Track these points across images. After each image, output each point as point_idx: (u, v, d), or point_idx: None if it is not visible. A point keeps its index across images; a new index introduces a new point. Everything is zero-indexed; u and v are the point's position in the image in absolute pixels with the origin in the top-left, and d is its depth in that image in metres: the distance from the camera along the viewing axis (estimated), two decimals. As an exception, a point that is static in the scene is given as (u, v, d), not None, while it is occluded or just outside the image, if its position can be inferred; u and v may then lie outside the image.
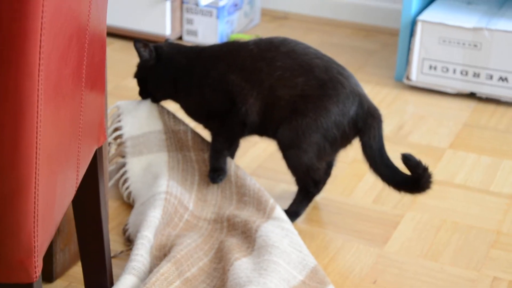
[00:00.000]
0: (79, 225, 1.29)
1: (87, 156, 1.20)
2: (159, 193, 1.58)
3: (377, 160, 1.59)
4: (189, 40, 2.58)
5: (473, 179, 1.84)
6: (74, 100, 1.08)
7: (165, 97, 1.73)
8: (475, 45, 2.21)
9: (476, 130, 2.08)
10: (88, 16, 1.10)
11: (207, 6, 2.53)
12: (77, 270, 1.46)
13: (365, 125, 1.59)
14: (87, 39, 1.11)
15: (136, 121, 1.71)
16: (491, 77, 2.22)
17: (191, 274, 1.42)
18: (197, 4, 2.53)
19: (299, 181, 1.65)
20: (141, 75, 1.72)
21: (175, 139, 1.72)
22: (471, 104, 2.23)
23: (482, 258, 1.55)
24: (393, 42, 2.62)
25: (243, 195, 1.63)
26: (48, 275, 1.43)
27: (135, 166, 1.69)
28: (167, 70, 1.69)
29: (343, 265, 1.52)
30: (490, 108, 2.21)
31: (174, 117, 1.73)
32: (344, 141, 1.62)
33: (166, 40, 1.80)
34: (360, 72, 2.38)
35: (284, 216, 1.56)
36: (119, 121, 1.73)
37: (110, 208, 1.66)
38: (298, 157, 1.61)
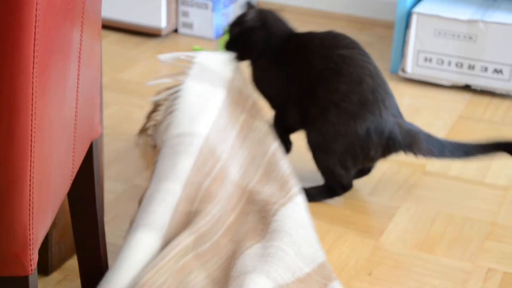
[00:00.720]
0: (75, 217, 1.29)
1: (83, 148, 1.20)
2: (195, 135, 1.51)
3: (439, 155, 1.66)
4: (184, 32, 2.58)
5: (468, 171, 1.84)
6: (69, 92, 1.08)
7: (247, 59, 1.76)
8: (470, 37, 2.21)
9: (471, 122, 2.09)
10: (83, 7, 1.09)
11: (202, -2, 2.53)
12: (73, 262, 1.47)
13: (405, 149, 1.65)
14: (82, 31, 1.11)
15: (209, 62, 1.71)
16: (486, 69, 2.22)
17: (203, 250, 1.38)
18: (192, -3, 2.52)
19: (326, 181, 1.69)
20: (238, 32, 1.75)
21: (237, 93, 1.69)
22: (466, 96, 2.23)
23: (477, 249, 1.56)
24: (388, 34, 2.62)
25: (272, 170, 1.60)
26: (44, 268, 1.43)
27: (190, 90, 1.62)
28: (261, 36, 1.72)
29: (339, 257, 1.52)
30: (485, 100, 2.21)
31: (246, 82, 1.73)
32: (368, 161, 1.67)
33: (249, 3, 1.82)
34: (356, 65, 2.38)
35: (304, 206, 1.53)
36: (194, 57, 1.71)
37: (106, 201, 1.66)
38: (324, 160, 1.66)
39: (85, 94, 1.17)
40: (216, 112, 1.59)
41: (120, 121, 2.02)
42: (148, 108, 2.13)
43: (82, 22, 1.10)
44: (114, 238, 1.54)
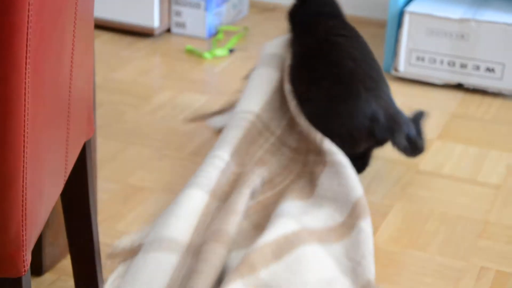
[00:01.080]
0: (68, 218, 1.29)
1: (76, 149, 1.20)
2: (246, 112, 1.74)
3: (411, 150, 1.69)
4: (177, 32, 2.58)
5: (461, 170, 1.85)
6: (62, 93, 1.08)
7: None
8: (462, 36, 2.22)
9: (463, 121, 2.09)
10: (76, 7, 1.09)
11: (195, -2, 2.53)
12: (66, 263, 1.46)
13: (387, 134, 1.67)
14: (74, 31, 1.10)
15: (273, 47, 1.88)
16: (478, 68, 2.23)
17: (250, 204, 1.57)
18: (185, -4, 2.52)
19: None
20: (291, 10, 1.90)
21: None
22: (458, 95, 2.24)
23: (470, 247, 1.56)
24: (381, 33, 2.63)
25: (322, 143, 1.70)
26: (37, 268, 1.43)
27: (254, 74, 1.84)
28: (295, 13, 1.87)
29: (332, 256, 1.52)
30: (477, 98, 2.22)
31: None
32: (354, 143, 1.69)
33: None
34: (348, 64, 2.39)
35: (333, 149, 1.65)
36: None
37: (99, 201, 1.66)
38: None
39: (78, 94, 1.16)
40: (269, 92, 1.78)
41: (113, 120, 2.02)
42: (141, 107, 2.13)
43: (74, 22, 1.10)
44: (107, 238, 1.54)
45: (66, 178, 1.17)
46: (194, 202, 1.51)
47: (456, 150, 1.93)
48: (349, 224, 1.52)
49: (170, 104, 2.12)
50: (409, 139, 1.69)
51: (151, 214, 1.63)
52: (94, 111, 1.39)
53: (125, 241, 1.50)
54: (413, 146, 1.70)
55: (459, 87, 2.28)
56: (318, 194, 1.60)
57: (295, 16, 1.86)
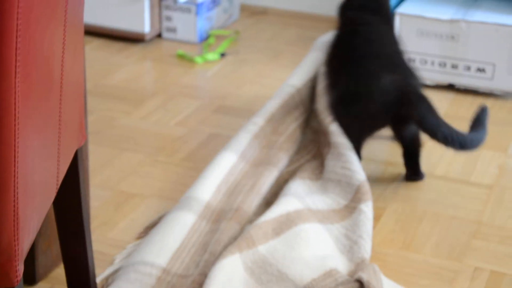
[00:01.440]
0: (61, 226, 1.29)
1: (67, 157, 1.19)
2: (289, 85, 1.86)
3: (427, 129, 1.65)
4: (168, 37, 2.57)
5: (454, 170, 1.85)
6: (52, 100, 1.07)
7: None
8: (453, 37, 2.22)
9: (455, 121, 2.09)
10: (65, 14, 1.09)
11: (185, 2, 2.52)
12: (59, 272, 1.46)
13: (399, 107, 1.66)
14: (64, 38, 1.10)
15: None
16: (469, 69, 2.23)
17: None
18: (175, 1, 2.52)
19: None
20: None
21: None
22: (450, 96, 2.24)
23: (464, 248, 1.56)
24: (372, 35, 2.63)
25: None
26: (30, 277, 1.42)
27: (307, 56, 1.98)
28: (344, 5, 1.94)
29: (327, 259, 1.52)
30: (468, 99, 2.22)
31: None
32: (369, 116, 1.71)
33: None
34: (340, 66, 2.39)
35: (338, 130, 1.72)
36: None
37: (92, 208, 1.65)
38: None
39: (68, 101, 1.16)
40: (313, 71, 1.90)
41: (104, 127, 2.01)
42: (133, 113, 2.12)
43: (64, 28, 1.09)
44: (100, 245, 1.53)
45: (58, 186, 1.16)
46: (222, 163, 1.64)
47: (449, 151, 1.93)
48: (351, 207, 1.58)
49: (162, 110, 2.11)
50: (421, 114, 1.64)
51: (144, 220, 1.62)
52: (86, 118, 1.39)
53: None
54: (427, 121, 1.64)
55: (450, 87, 2.28)
56: (324, 176, 1.68)
57: (342, 11, 1.93)
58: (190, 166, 1.83)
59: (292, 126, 1.82)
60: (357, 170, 1.65)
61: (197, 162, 1.85)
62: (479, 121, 1.68)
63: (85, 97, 1.35)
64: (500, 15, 2.23)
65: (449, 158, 1.90)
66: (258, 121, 1.77)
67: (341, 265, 1.43)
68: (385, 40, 1.81)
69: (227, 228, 1.49)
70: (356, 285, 1.35)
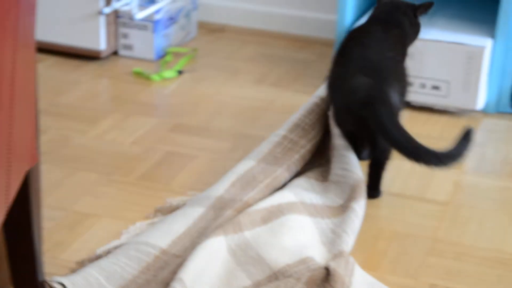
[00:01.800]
0: (11, 249, 1.26)
1: (18, 177, 1.16)
2: (315, 96, 1.92)
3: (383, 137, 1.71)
4: (124, 54, 2.55)
5: (410, 187, 1.87)
6: (1, 120, 1.05)
7: None
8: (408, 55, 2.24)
9: (411, 138, 2.11)
10: (16, 30, 1.07)
11: (142, 20, 2.51)
12: (10, 295, 1.42)
13: (363, 110, 1.68)
14: (15, 56, 1.08)
15: None
16: (424, 86, 2.26)
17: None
18: (131, 18, 2.50)
19: None
20: None
21: None
22: (405, 113, 2.26)
23: (419, 265, 1.57)
24: (329, 52, 2.65)
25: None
26: (-20, 301, 1.39)
27: None
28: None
29: (284, 278, 1.51)
30: (424, 116, 2.25)
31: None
32: (342, 121, 1.78)
33: None
34: (297, 83, 2.39)
35: (338, 132, 1.78)
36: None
37: (44, 229, 1.62)
38: None
39: (19, 121, 1.13)
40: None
41: (58, 146, 1.98)
42: (88, 132, 2.10)
43: (14, 46, 1.07)
44: (52, 268, 1.50)
45: (8, 207, 1.13)
46: (240, 166, 1.71)
47: (405, 167, 1.95)
48: (345, 206, 1.64)
49: (117, 128, 2.09)
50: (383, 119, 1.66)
51: (98, 241, 1.60)
52: (38, 137, 1.36)
53: (177, 200, 1.71)
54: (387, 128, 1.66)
55: (406, 105, 2.30)
56: (329, 179, 1.73)
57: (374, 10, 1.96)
58: (146, 185, 1.81)
59: (319, 134, 1.86)
60: (354, 170, 1.71)
61: (154, 181, 1.83)
62: (457, 142, 1.68)
63: (38, 116, 1.33)
64: (455, 33, 2.27)
65: (405, 175, 1.92)
66: (280, 132, 1.82)
67: (318, 255, 1.49)
68: (377, 47, 1.79)
69: (230, 217, 1.55)
70: (323, 271, 1.40)
